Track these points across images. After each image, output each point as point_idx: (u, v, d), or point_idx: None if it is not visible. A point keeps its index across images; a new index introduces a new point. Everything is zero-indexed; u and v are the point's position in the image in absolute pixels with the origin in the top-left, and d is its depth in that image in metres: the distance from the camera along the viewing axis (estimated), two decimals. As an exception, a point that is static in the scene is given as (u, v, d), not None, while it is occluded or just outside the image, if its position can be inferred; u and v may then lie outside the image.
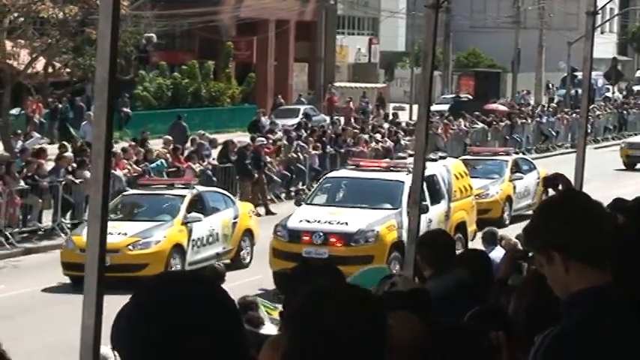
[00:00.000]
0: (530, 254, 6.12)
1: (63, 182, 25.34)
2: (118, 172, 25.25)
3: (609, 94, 51.81)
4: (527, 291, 5.75)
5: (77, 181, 25.36)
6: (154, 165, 28.02)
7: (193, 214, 21.93)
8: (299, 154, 32.42)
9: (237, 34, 48.58)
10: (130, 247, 20.89)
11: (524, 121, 43.80)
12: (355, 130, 36.95)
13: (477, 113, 42.77)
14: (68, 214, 25.84)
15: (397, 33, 59.38)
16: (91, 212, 5.78)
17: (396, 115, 46.73)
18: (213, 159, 30.47)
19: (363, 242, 20.11)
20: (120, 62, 7.72)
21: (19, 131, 32.40)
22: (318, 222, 20.54)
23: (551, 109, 47.68)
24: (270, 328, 13.05)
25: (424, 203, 20.07)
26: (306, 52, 51.18)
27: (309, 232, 20.28)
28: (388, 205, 21.46)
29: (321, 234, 20.09)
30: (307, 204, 22.29)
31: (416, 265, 7.99)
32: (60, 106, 37.97)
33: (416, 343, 4.31)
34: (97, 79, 5.53)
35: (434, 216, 21.51)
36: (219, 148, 31.71)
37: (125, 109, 40.60)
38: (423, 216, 19.40)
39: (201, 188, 23.99)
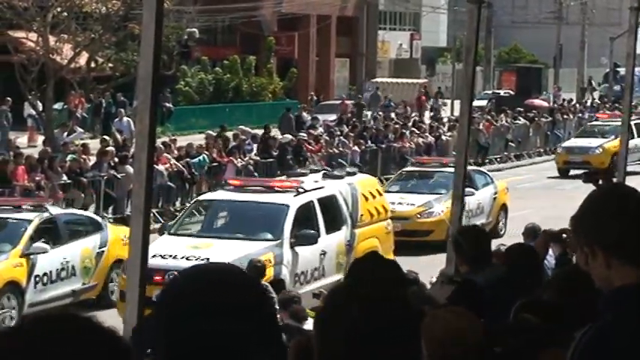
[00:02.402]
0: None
1: (105, 177, 25.55)
2: (160, 167, 25.10)
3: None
4: (552, 288, 5.85)
5: (119, 175, 25.59)
6: (195, 160, 27.99)
7: (38, 245, 17.96)
8: (340, 149, 32.70)
9: (279, 29, 49.09)
10: None
11: (566, 116, 44.10)
12: (396, 126, 37.20)
13: (519, 109, 42.84)
14: (110, 209, 25.90)
15: (439, 28, 60.14)
16: (134, 206, 6.16)
17: (438, 111, 47.14)
18: (255, 154, 30.61)
19: None
20: (162, 57, 7.74)
21: (62, 125, 32.62)
22: (174, 258, 17.10)
23: (594, 105, 47.80)
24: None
25: (312, 232, 17.99)
26: (347, 48, 51.60)
27: (161, 271, 15.98)
28: (269, 235, 18.05)
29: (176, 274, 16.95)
30: (170, 234, 18.84)
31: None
32: (102, 101, 38.48)
33: (476, 339, 4.34)
34: (140, 74, 5.82)
35: (329, 246, 18.50)
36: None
37: (167, 105, 40.85)
38: (314, 246, 17.70)
39: (56, 210, 19.96)
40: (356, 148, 33.15)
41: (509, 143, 38.84)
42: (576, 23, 48.98)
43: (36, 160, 25.39)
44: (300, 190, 18.85)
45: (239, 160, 28.92)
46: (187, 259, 16.62)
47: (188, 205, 22.31)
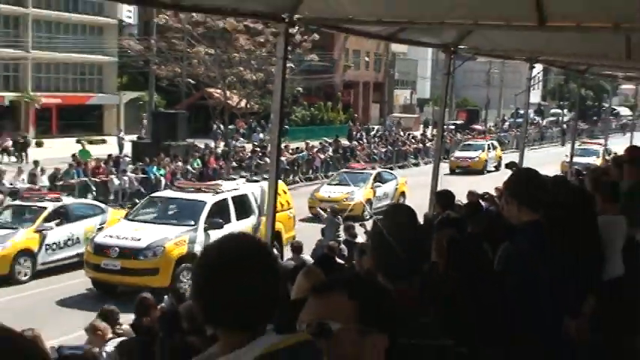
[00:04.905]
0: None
1: (255, 163, 39.64)
2: (282, 158, 35.18)
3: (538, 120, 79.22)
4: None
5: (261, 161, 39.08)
6: (301, 154, 42.97)
7: (47, 224, 22.27)
8: (375, 150, 49.93)
9: (343, 88, 76.07)
10: None
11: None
12: (403, 138, 55.83)
13: (467, 130, 65.13)
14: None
15: (425, 88, 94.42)
16: (270, 179, 9.08)
17: (425, 132, 66.44)
18: (331, 152, 44.83)
19: (151, 256, 19.87)
20: (284, 101, 10.79)
21: (232, 138, 49.44)
22: (118, 237, 20.49)
23: (504, 128, 72.76)
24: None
25: (219, 221, 21.09)
26: (378, 97, 78.74)
27: (108, 247, 20.18)
28: (191, 222, 21.18)
29: (117, 248, 19.98)
30: (127, 219, 22.24)
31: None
32: (252, 124, 56.19)
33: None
34: (273, 110, 8.56)
35: (238, 229, 19.73)
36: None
37: (285, 127, 54.09)
38: (226, 228, 20.35)
39: (69, 200, 24.62)
40: (382, 149, 49.96)
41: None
42: (496, 86, 78.68)
43: (220, 154, 40.62)
44: (219, 190, 22.70)
45: (321, 155, 43.53)
46: (126, 238, 20.38)
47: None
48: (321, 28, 9.63)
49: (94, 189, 31.63)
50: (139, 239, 20.28)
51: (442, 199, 10.00)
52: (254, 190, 23.48)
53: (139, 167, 34.82)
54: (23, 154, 44.97)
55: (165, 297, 16.57)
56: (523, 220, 4.45)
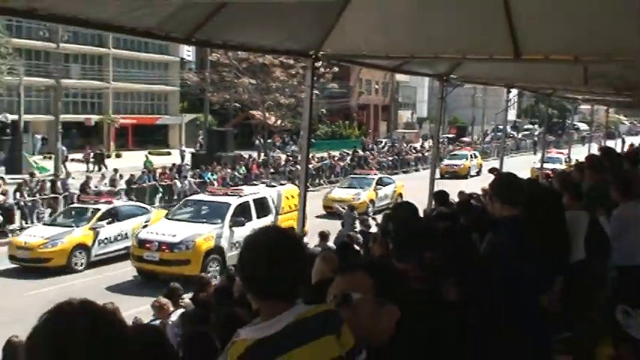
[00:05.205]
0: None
1: (288, 169, 38.68)
2: (310, 166, 34.32)
3: (514, 134, 76.30)
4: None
5: (292, 168, 38.44)
6: (325, 162, 42.19)
7: (99, 222, 21.82)
8: (383, 158, 48.93)
9: (358, 109, 74.00)
10: (42, 245, 20.81)
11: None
12: (407, 149, 54.79)
13: (457, 143, 63.85)
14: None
15: (423, 109, 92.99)
16: (300, 181, 9.12)
17: (423, 144, 65.28)
18: (347, 163, 44.24)
19: (184, 249, 19.36)
20: (312, 120, 10.90)
21: (270, 149, 48.61)
22: (157, 234, 20.05)
23: (487, 140, 69.91)
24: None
25: (241, 219, 20.57)
26: (386, 117, 79.20)
27: (149, 241, 19.74)
28: (218, 221, 20.52)
29: (156, 243, 19.51)
30: (167, 218, 21.69)
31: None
32: (285, 138, 55.96)
33: None
34: (302, 127, 8.92)
35: (258, 225, 20.31)
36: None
37: (312, 140, 51.96)
38: (248, 225, 20.28)
39: (119, 203, 24.03)
40: (389, 158, 49.07)
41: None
42: (480, 107, 75.88)
43: (260, 163, 40.36)
44: (242, 194, 22.09)
45: (340, 162, 43.03)
46: (164, 234, 19.82)
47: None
48: (340, 62, 9.61)
49: (161, 191, 31.73)
50: (175, 235, 19.80)
51: (439, 197, 9.98)
52: (272, 193, 23.05)
53: (196, 173, 34.93)
54: (102, 165, 45.24)
55: (218, 276, 16.64)
56: (504, 214, 4.37)
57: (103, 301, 14.52)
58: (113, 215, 22.60)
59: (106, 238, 22.03)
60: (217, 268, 19.52)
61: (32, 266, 20.68)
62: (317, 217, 27.32)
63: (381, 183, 33.08)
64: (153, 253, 19.47)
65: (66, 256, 20.88)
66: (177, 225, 20.67)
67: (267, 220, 21.54)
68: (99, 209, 22.50)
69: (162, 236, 19.86)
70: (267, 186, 24.71)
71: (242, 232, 20.01)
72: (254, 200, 22.04)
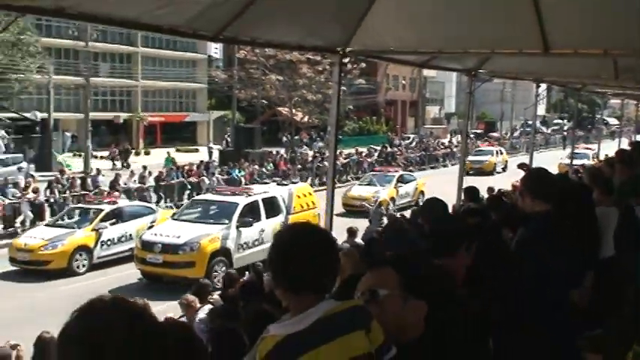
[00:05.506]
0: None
1: (316, 164, 38.76)
2: (338, 162, 34.16)
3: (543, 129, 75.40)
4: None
5: (321, 164, 37.95)
6: (353, 158, 42.35)
7: (102, 224, 21.15)
8: (411, 154, 49.36)
9: (385, 105, 74.20)
10: (42, 247, 20.19)
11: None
12: (434, 144, 55.11)
13: (485, 138, 64.73)
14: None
15: (451, 104, 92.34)
16: (328, 177, 9.25)
17: (451, 139, 65.16)
18: (375, 159, 44.28)
19: (188, 251, 18.69)
20: (339, 117, 11.04)
21: (297, 146, 48.82)
22: (161, 235, 19.36)
23: (515, 135, 70.47)
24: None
25: (249, 219, 19.87)
26: (413, 112, 79.87)
27: (153, 243, 19.08)
28: (225, 221, 19.77)
29: (160, 245, 18.84)
30: (172, 219, 20.99)
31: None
32: (312, 135, 56.36)
33: None
34: (330, 123, 9.05)
35: (268, 226, 20.21)
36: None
37: (339, 137, 52.08)
38: (256, 226, 19.85)
39: (123, 203, 23.39)
40: (417, 154, 49.25)
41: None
42: (509, 102, 77.47)
43: (288, 159, 40.39)
44: (250, 194, 21.25)
45: (368, 159, 43.30)
46: (167, 236, 19.09)
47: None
48: (368, 58, 9.59)
49: (190, 187, 31.89)
50: (179, 236, 19.07)
51: (469, 193, 9.90)
52: (282, 192, 22.08)
53: (224, 170, 35.07)
54: (125, 162, 45.63)
55: (247, 273, 16.62)
56: (536, 210, 4.36)
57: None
58: (117, 216, 21.93)
59: (109, 240, 21.26)
60: (223, 270, 18.28)
61: (32, 269, 20.06)
62: (336, 215, 27.00)
63: (402, 180, 32.55)
64: (156, 255, 18.83)
65: (66, 258, 20.17)
66: (183, 226, 19.95)
67: (277, 220, 20.76)
68: (102, 210, 21.78)
69: (166, 238, 19.18)
70: (277, 184, 24.09)
71: (250, 233, 19.64)
72: (263, 200, 21.18)
